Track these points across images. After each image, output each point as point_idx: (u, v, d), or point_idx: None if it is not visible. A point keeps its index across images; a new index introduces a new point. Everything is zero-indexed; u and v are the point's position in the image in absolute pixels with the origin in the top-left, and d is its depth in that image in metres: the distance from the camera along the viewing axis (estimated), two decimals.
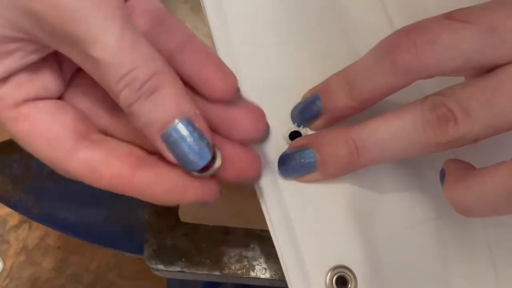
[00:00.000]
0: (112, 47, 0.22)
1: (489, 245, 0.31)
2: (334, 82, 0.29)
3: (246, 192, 0.33)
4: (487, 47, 0.25)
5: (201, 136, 0.25)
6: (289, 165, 0.29)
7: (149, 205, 0.36)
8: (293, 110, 0.31)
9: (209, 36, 0.33)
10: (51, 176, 0.38)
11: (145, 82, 0.23)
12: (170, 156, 0.25)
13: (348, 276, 0.28)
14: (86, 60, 0.23)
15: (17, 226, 0.91)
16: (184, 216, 0.34)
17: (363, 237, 0.29)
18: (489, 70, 0.25)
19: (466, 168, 0.26)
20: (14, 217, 0.91)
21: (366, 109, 0.29)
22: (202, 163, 0.25)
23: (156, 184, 0.26)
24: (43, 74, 0.26)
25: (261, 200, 0.30)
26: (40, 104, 0.25)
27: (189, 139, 0.25)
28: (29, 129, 0.25)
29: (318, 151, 0.28)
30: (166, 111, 0.24)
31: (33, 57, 0.25)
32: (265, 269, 0.34)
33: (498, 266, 0.30)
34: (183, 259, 0.34)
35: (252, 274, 0.34)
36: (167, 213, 0.36)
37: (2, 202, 0.39)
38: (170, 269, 0.34)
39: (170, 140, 0.25)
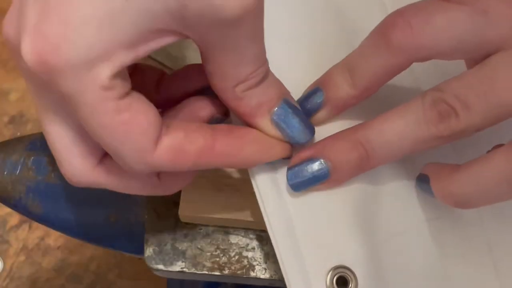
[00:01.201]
0: None
1: (490, 245, 0.31)
2: (335, 72, 0.29)
3: (246, 192, 0.33)
4: (480, 29, 0.25)
5: (301, 112, 0.29)
6: (301, 178, 0.29)
7: (149, 205, 0.36)
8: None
9: None
10: (51, 176, 0.38)
11: (259, 73, 0.26)
12: (276, 132, 0.28)
13: (348, 276, 0.28)
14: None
15: (17, 226, 0.91)
16: (184, 216, 0.34)
17: (363, 237, 0.29)
18: (483, 55, 0.26)
19: (452, 165, 0.27)
20: (14, 217, 0.91)
21: (367, 97, 0.29)
22: (310, 134, 0.29)
23: (240, 147, 0.27)
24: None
25: (260, 201, 0.30)
26: (135, 94, 0.24)
27: (295, 114, 0.28)
28: (128, 119, 0.24)
29: (329, 160, 0.28)
30: (275, 93, 0.28)
31: (162, 43, 0.24)
32: (265, 269, 0.34)
33: (498, 265, 0.30)
34: (183, 259, 0.34)
35: (252, 274, 0.34)
36: (167, 213, 0.36)
37: (2, 202, 0.39)
38: (170, 269, 0.34)
39: (281, 117, 0.28)
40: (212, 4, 0.22)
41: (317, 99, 0.30)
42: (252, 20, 0.24)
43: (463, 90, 0.25)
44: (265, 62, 0.26)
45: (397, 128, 0.27)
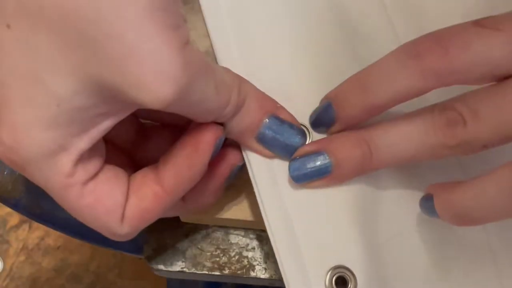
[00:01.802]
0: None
1: (491, 246, 0.31)
2: (347, 89, 0.29)
3: (247, 192, 0.33)
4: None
5: (290, 125, 0.29)
6: (303, 170, 0.29)
7: None
8: (310, 117, 0.31)
9: (208, 36, 0.33)
10: None
11: (227, 113, 0.27)
12: (268, 153, 0.29)
13: (348, 276, 0.28)
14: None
15: (17, 226, 0.91)
16: (184, 217, 0.34)
17: (363, 237, 0.29)
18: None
19: (456, 182, 0.26)
20: (14, 217, 0.91)
21: (378, 115, 0.29)
22: (298, 146, 0.29)
23: (187, 171, 0.27)
24: (100, 141, 0.26)
25: (259, 200, 0.30)
26: (101, 176, 0.26)
27: (280, 131, 0.29)
28: (93, 202, 0.25)
29: (333, 155, 0.28)
30: (254, 117, 0.28)
31: (111, 123, 0.25)
32: (265, 269, 0.34)
33: (500, 266, 0.30)
34: (183, 259, 0.34)
35: (252, 274, 0.34)
36: None
37: (2, 202, 0.39)
38: (170, 269, 0.34)
39: (264, 139, 0.29)
40: (136, 98, 0.22)
41: (329, 116, 0.29)
42: (181, 102, 0.23)
43: (476, 101, 0.25)
44: (227, 103, 0.26)
45: (404, 130, 0.27)
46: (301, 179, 0.29)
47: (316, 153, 0.29)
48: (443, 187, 0.26)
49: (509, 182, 0.23)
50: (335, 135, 0.29)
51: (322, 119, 0.30)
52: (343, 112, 0.29)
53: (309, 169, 0.29)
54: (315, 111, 0.30)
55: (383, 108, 0.28)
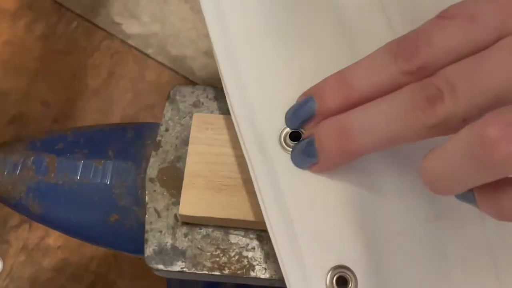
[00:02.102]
0: None
1: (490, 246, 0.31)
2: (330, 83, 0.29)
3: (247, 192, 0.33)
4: (472, 37, 0.25)
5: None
6: (296, 153, 0.30)
7: (149, 205, 0.36)
8: (287, 112, 0.31)
9: (208, 36, 0.33)
10: (51, 176, 0.38)
11: None
12: None
13: (348, 276, 0.28)
14: None
15: (17, 226, 0.91)
16: (184, 216, 0.34)
17: (363, 237, 0.29)
18: None
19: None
20: (14, 217, 0.91)
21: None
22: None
23: None
24: None
25: (260, 200, 0.30)
26: None
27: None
28: None
29: (316, 140, 0.29)
30: None
31: None
32: (265, 269, 0.34)
33: (499, 266, 0.30)
34: (183, 259, 0.34)
35: (252, 274, 0.34)
36: (167, 213, 0.36)
37: (2, 202, 0.39)
38: (170, 269, 0.34)
39: None
40: None
41: (309, 110, 0.29)
42: None
43: (453, 74, 0.25)
44: None
45: (382, 110, 0.26)
46: (295, 161, 0.30)
47: (308, 137, 0.30)
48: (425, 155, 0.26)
49: (467, 142, 0.23)
50: (323, 120, 0.29)
51: (302, 112, 0.30)
52: (325, 105, 0.29)
53: (298, 153, 0.30)
54: (294, 105, 0.30)
55: (364, 102, 0.28)
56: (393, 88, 0.27)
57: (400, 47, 0.27)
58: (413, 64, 0.26)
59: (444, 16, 0.26)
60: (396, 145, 0.27)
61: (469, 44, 0.25)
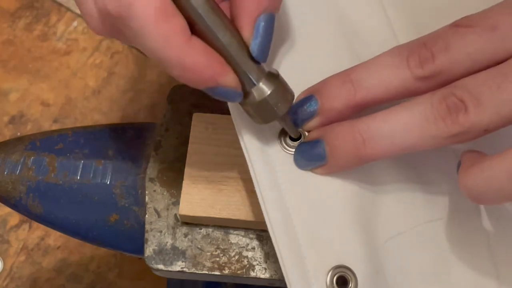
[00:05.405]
0: None
1: (490, 246, 0.31)
2: (334, 82, 0.29)
3: (247, 192, 0.33)
4: (492, 45, 0.25)
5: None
6: (301, 155, 0.30)
7: (149, 205, 0.36)
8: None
9: None
10: (51, 176, 0.38)
11: None
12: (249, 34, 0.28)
13: (348, 276, 0.28)
14: None
15: (17, 226, 0.91)
16: (184, 216, 0.34)
17: (363, 237, 0.29)
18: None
19: (479, 156, 0.26)
20: (14, 217, 0.91)
21: (362, 111, 0.29)
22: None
23: None
24: None
25: (260, 200, 0.30)
26: None
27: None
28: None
29: (327, 144, 0.29)
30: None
31: None
32: (265, 269, 0.34)
33: (499, 266, 0.30)
34: (183, 259, 0.34)
35: (252, 274, 0.34)
36: (167, 213, 0.36)
37: (2, 202, 0.39)
38: (170, 269, 0.34)
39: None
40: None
41: (311, 108, 0.29)
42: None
43: (476, 85, 0.25)
44: None
45: (402, 119, 0.27)
46: (299, 163, 0.30)
47: (316, 140, 0.29)
48: (465, 164, 0.26)
49: None
50: (335, 124, 0.29)
51: (304, 110, 0.30)
52: (327, 104, 0.29)
53: (305, 155, 0.30)
54: (296, 103, 0.30)
55: (369, 104, 0.28)
56: (404, 92, 0.27)
57: (413, 51, 0.27)
58: (428, 70, 0.26)
59: (462, 24, 0.27)
60: (411, 152, 0.27)
61: (487, 53, 0.26)
